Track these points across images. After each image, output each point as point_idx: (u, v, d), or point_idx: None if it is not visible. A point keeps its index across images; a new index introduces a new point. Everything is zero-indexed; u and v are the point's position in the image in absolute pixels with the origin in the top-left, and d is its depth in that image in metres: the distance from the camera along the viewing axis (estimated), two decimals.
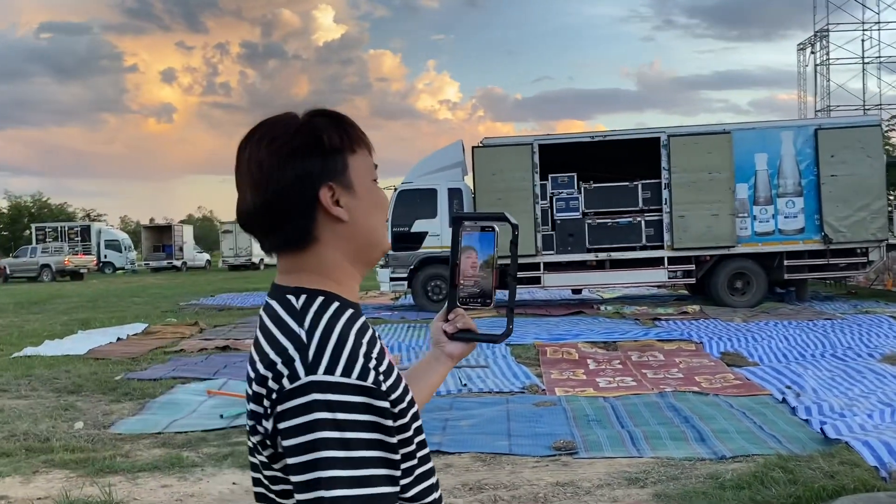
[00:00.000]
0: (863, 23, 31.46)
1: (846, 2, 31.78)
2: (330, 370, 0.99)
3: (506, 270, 1.37)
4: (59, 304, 19.54)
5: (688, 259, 14.49)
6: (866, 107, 31.96)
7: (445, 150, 15.76)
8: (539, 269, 14.48)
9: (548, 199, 14.54)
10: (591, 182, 14.65)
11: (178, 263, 41.50)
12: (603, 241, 14.39)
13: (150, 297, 21.57)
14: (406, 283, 15.23)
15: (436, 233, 14.94)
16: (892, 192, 22.94)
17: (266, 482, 1.10)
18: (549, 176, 14.51)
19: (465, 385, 7.67)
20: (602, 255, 14.39)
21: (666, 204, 14.36)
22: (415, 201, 15.08)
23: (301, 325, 1.05)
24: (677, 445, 5.47)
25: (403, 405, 1.07)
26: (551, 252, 14.50)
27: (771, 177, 14.49)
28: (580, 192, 14.52)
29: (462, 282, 1.34)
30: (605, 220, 14.43)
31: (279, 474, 1.06)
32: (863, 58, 32.22)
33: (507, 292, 1.33)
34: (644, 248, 14.46)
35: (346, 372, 1.00)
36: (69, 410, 7.02)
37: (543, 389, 7.54)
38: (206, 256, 46.34)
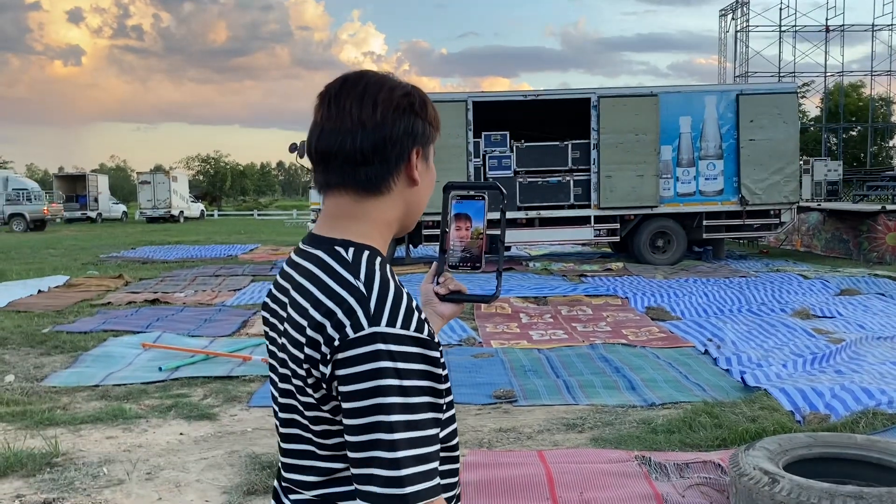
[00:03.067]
0: None
1: None
2: (391, 322, 1.06)
3: (495, 236, 1.47)
4: None
5: (613, 218, 14.92)
6: (781, 74, 33.19)
7: None
8: None
9: (481, 157, 14.67)
10: (523, 141, 14.85)
11: (93, 215, 39.88)
12: (533, 200, 14.66)
13: (66, 250, 20.77)
14: None
15: None
16: (802, 157, 24.05)
17: (305, 422, 1.16)
18: (483, 134, 14.62)
19: None
20: (532, 214, 14.68)
21: (594, 164, 14.71)
22: None
23: (357, 277, 1.11)
24: (610, 394, 5.77)
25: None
26: None
27: (694, 139, 15.00)
28: (512, 151, 14.70)
29: (451, 247, 1.44)
30: (535, 178, 14.68)
31: (325, 415, 1.13)
32: (780, 26, 33.34)
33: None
34: (572, 206, 14.81)
35: (405, 325, 1.07)
36: None
37: (480, 342, 7.75)
38: (123, 208, 44.62)
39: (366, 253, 1.17)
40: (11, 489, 3.97)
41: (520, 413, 5.33)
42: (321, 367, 1.09)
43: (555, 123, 15.51)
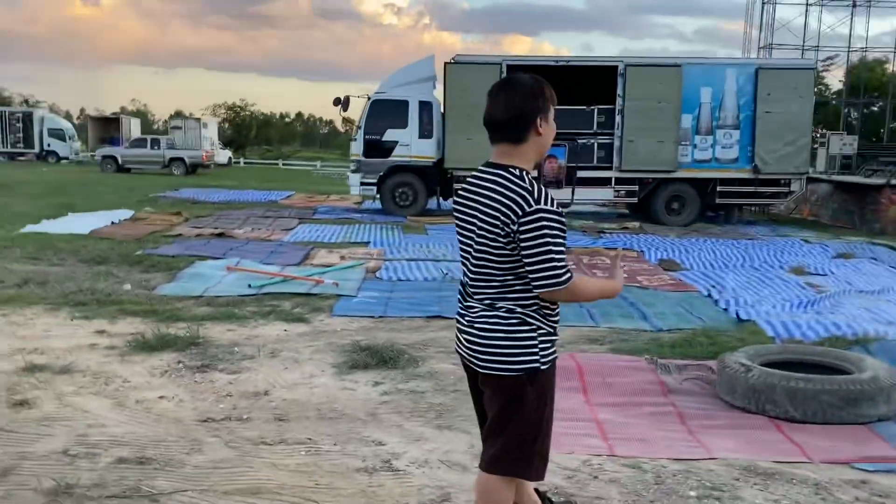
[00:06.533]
0: None
1: None
2: (547, 204, 2.27)
3: (571, 167, 2.69)
4: (26, 189, 19.95)
5: (633, 181, 16.00)
6: (805, 47, 33.68)
7: (418, 64, 16.66)
8: None
9: None
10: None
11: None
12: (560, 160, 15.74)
13: (113, 188, 22.08)
14: (375, 188, 16.37)
15: (406, 143, 16.05)
16: (816, 131, 24.80)
17: (494, 257, 2.34)
18: None
19: (447, 274, 9.04)
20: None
21: (618, 129, 15.75)
22: (387, 111, 16.06)
23: (524, 182, 2.31)
24: (626, 321, 6.98)
25: None
26: None
27: (713, 109, 15.99)
28: None
29: (545, 173, 2.65)
30: (562, 140, 15.74)
31: (507, 251, 2.32)
32: None
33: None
34: (595, 168, 15.88)
35: (552, 206, 2.28)
36: (110, 277, 8.11)
37: None
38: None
39: (524, 171, 2.36)
40: (171, 358, 5.25)
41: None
42: (512, 226, 2.29)
43: (583, 88, 16.49)
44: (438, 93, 16.37)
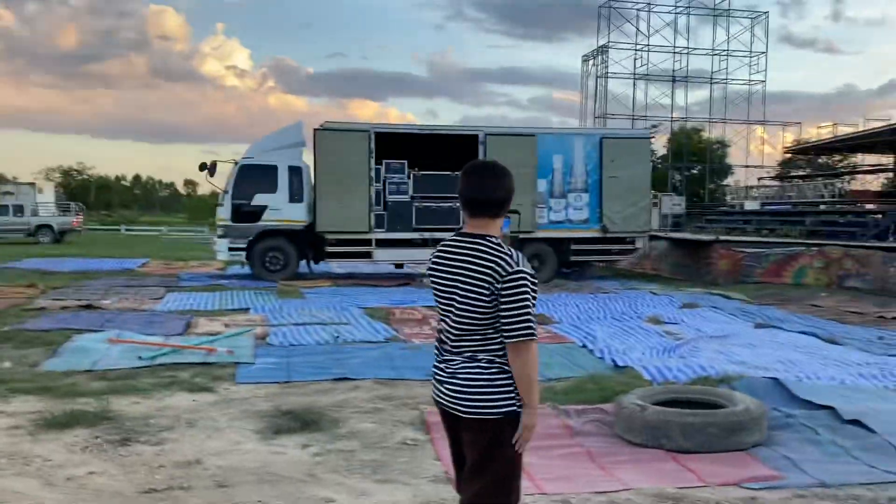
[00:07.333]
0: (636, 44, 36.44)
1: (623, 24, 36.69)
2: (525, 267, 2.70)
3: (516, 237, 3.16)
4: None
5: None
6: (635, 116, 37.09)
7: (286, 130, 16.91)
8: (371, 245, 16.22)
9: (381, 182, 16.27)
10: (416, 169, 16.60)
11: None
12: (427, 222, 16.40)
13: None
14: (245, 253, 16.22)
15: (276, 207, 16.12)
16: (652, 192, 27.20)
17: (476, 313, 2.71)
18: (384, 161, 16.25)
19: (337, 337, 9.23)
20: (426, 235, 16.39)
21: None
22: (256, 176, 16.10)
23: (502, 249, 2.72)
24: None
25: None
26: (382, 230, 16.28)
27: (564, 175, 17.34)
28: (409, 178, 16.42)
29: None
30: (429, 203, 16.45)
31: (489, 308, 2.69)
32: (634, 73, 37.34)
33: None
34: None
35: (528, 268, 2.71)
36: None
37: (404, 339, 9.30)
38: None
39: (498, 239, 2.78)
40: (86, 434, 5.12)
41: None
42: (496, 284, 2.68)
43: (446, 155, 17.34)
44: (307, 157, 16.67)
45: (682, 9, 38.07)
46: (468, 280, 2.74)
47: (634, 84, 37.78)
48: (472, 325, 2.75)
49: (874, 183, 37.45)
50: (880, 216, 23.75)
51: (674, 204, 30.02)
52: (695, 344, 9.06)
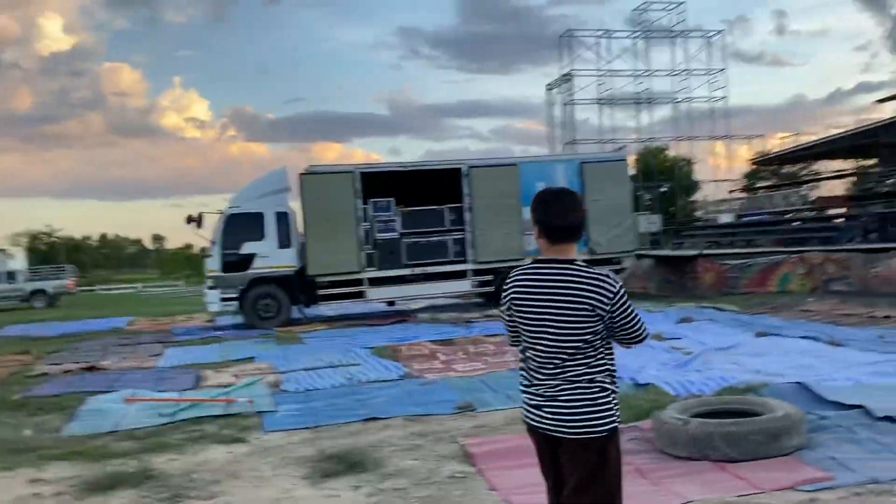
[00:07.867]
0: (598, 69, 37.24)
1: (584, 51, 37.54)
2: (618, 280, 2.82)
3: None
4: None
5: (487, 271, 17.03)
6: (603, 140, 37.71)
7: (270, 176, 16.95)
8: (363, 284, 16.23)
9: (369, 221, 16.35)
10: (403, 206, 16.73)
11: None
12: (418, 258, 16.49)
13: None
14: (237, 303, 16.12)
15: (265, 254, 16.09)
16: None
17: (580, 339, 2.79)
18: (371, 200, 16.35)
19: (351, 378, 9.21)
20: (417, 270, 16.46)
21: (468, 224, 16.84)
22: (243, 225, 16.07)
23: (594, 271, 2.82)
24: None
25: None
26: (373, 268, 16.31)
27: None
28: (397, 215, 16.53)
29: None
30: (418, 238, 16.55)
31: (597, 332, 2.79)
32: (598, 99, 38.07)
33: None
34: (452, 262, 16.77)
35: (622, 284, 2.82)
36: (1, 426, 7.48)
37: (417, 375, 9.31)
38: None
39: (584, 263, 2.87)
40: (134, 495, 5.06)
41: (484, 416, 6.96)
42: (605, 306, 2.78)
43: (430, 189, 17.51)
44: (292, 202, 16.70)
45: (639, 33, 39.08)
46: (569, 306, 2.81)
47: (601, 109, 38.55)
48: (573, 348, 2.82)
49: (839, 188, 38.42)
50: (854, 219, 24.37)
51: (650, 223, 30.41)
52: (705, 357, 9.20)
